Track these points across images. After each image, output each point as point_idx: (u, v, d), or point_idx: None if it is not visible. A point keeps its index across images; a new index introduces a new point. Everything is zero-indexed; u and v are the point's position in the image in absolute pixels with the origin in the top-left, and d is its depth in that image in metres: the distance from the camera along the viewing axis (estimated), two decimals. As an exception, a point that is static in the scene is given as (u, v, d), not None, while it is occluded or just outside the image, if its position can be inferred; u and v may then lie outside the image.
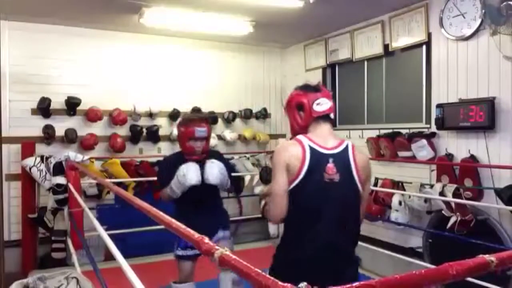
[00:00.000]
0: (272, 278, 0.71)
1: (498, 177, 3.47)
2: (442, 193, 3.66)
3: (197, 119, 2.88)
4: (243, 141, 5.98)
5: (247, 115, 5.98)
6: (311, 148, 1.81)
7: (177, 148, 5.64)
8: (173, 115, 5.48)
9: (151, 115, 5.34)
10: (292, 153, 1.81)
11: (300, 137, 1.88)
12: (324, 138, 1.87)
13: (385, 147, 4.36)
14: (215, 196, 3.13)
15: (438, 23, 3.95)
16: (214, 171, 2.80)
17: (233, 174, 5.65)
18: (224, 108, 5.81)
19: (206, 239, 0.97)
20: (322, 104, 1.92)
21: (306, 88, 1.98)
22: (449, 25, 3.85)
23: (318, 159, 1.79)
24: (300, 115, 1.94)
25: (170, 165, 2.86)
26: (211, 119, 5.67)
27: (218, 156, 3.05)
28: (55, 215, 4.54)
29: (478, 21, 3.59)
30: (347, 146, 1.88)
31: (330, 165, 1.79)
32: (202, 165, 2.79)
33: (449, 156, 3.83)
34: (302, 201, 1.79)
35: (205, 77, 5.74)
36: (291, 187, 1.80)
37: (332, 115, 1.95)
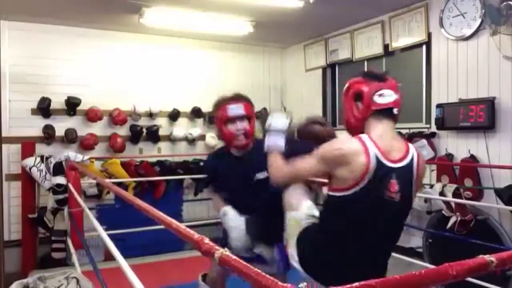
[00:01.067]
0: (271, 278, 0.71)
1: (498, 177, 3.47)
2: (442, 193, 3.66)
3: (230, 97, 2.41)
4: (243, 141, 5.97)
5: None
6: (377, 159, 1.55)
7: (177, 149, 5.70)
8: (173, 115, 5.48)
9: (151, 115, 5.34)
10: (353, 159, 1.55)
11: (365, 139, 1.59)
12: (388, 143, 1.61)
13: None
14: (274, 199, 2.13)
15: (438, 23, 3.95)
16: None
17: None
18: (224, 108, 5.80)
19: (206, 240, 0.97)
20: (385, 96, 1.65)
21: (369, 76, 1.72)
22: (449, 25, 3.85)
23: (382, 173, 1.56)
24: (357, 106, 1.69)
25: (210, 166, 2.41)
26: (211, 119, 5.68)
27: None
28: (55, 215, 4.53)
29: (478, 21, 3.59)
30: (412, 158, 1.65)
31: (394, 181, 1.58)
32: (249, 158, 2.26)
33: (449, 156, 3.83)
34: (353, 214, 1.59)
35: (205, 77, 5.74)
36: (342, 194, 1.58)
37: (396, 111, 1.69)
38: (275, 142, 1.96)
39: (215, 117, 2.39)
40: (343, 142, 1.65)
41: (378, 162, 1.55)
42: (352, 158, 1.55)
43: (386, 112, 1.66)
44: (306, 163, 1.71)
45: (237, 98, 2.38)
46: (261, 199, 2.18)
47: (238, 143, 2.29)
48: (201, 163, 5.48)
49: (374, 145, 1.57)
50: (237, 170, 2.30)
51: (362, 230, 1.61)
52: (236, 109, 2.31)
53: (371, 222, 1.60)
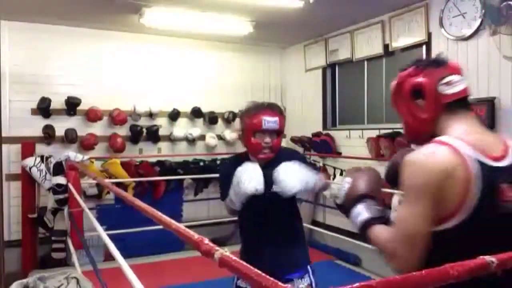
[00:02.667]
0: (271, 278, 0.71)
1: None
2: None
3: (266, 107, 2.15)
4: (243, 141, 5.96)
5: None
6: (478, 161, 1.13)
7: (177, 149, 5.70)
8: (173, 115, 5.48)
9: (151, 115, 5.34)
10: (448, 171, 1.11)
11: (447, 139, 1.18)
12: (482, 138, 1.21)
13: (385, 147, 4.35)
14: (290, 215, 2.18)
15: (438, 23, 3.94)
16: (289, 176, 1.89)
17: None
18: (224, 108, 5.81)
19: (206, 240, 0.97)
20: (455, 84, 1.26)
21: (425, 63, 1.34)
22: (449, 25, 3.85)
23: (488, 177, 1.11)
24: (419, 105, 1.29)
25: (228, 173, 2.12)
26: (211, 119, 5.68)
27: (292, 154, 2.22)
28: (55, 215, 4.54)
29: (478, 21, 3.58)
30: None
31: (505, 185, 1.12)
32: (269, 168, 1.99)
33: (449, 156, 3.83)
34: (460, 249, 0.98)
35: (205, 77, 5.74)
36: (443, 227, 1.12)
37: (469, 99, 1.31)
38: (358, 214, 1.37)
39: (244, 122, 2.17)
40: (426, 156, 1.16)
41: (480, 163, 1.12)
42: (447, 167, 1.11)
43: (460, 103, 1.26)
44: (412, 217, 1.13)
45: (273, 110, 2.15)
46: (274, 212, 2.07)
47: (263, 156, 2.09)
48: (201, 163, 5.49)
49: (464, 143, 1.15)
50: None
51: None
52: (271, 124, 2.09)
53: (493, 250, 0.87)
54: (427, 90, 1.26)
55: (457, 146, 1.14)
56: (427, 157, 1.15)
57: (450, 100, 1.25)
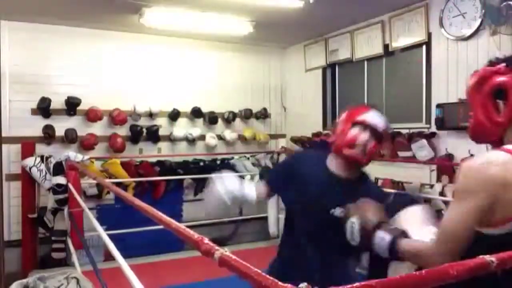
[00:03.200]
0: (272, 278, 0.71)
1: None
2: (442, 193, 3.66)
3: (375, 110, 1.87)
4: (243, 141, 5.97)
5: (247, 115, 5.97)
6: None
7: (177, 149, 5.70)
8: (173, 115, 5.47)
9: (151, 115, 5.34)
10: (507, 180, 1.10)
11: None
12: None
13: (385, 147, 4.35)
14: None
15: (438, 23, 3.94)
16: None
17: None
18: (224, 108, 5.81)
19: (206, 240, 0.97)
20: None
21: None
22: (449, 25, 3.85)
23: None
24: (498, 106, 1.21)
25: (291, 168, 1.87)
26: (211, 119, 5.68)
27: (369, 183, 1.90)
28: (55, 215, 4.54)
29: (478, 21, 3.58)
30: None
31: None
32: (345, 183, 1.74)
33: (449, 156, 3.83)
34: None
35: (205, 77, 5.74)
36: (491, 232, 1.13)
37: None
38: (382, 240, 1.33)
39: (345, 115, 1.84)
40: (490, 162, 1.14)
41: None
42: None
43: None
44: (459, 216, 1.14)
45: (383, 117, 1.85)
46: (326, 235, 1.72)
47: (349, 153, 1.72)
48: (201, 163, 5.48)
49: None
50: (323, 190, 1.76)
51: None
52: (379, 122, 1.79)
53: None
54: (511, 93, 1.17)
55: None
56: (490, 163, 1.13)
57: None
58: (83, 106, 4.94)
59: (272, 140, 6.16)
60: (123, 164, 4.99)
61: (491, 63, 1.26)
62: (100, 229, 2.32)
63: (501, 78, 1.20)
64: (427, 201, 3.87)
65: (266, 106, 6.16)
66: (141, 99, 5.26)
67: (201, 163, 5.50)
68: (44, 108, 4.75)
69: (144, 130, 5.28)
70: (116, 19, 4.71)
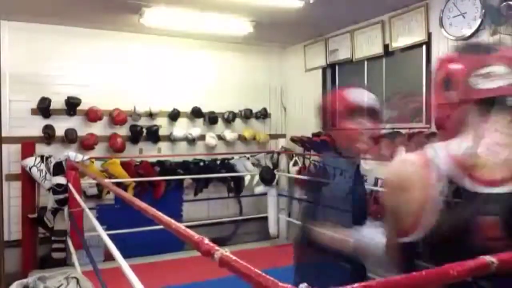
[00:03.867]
0: (271, 278, 0.71)
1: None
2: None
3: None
4: (243, 141, 5.97)
5: (247, 115, 5.98)
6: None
7: (177, 149, 5.70)
8: (173, 115, 5.48)
9: (151, 115, 5.34)
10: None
11: (435, 148, 1.05)
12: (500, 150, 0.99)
13: (385, 147, 4.35)
14: None
15: (438, 23, 3.94)
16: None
17: (233, 174, 5.73)
18: (224, 108, 5.81)
19: (206, 240, 0.97)
20: (494, 77, 1.01)
21: (468, 48, 1.17)
22: (449, 25, 3.85)
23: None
24: (447, 96, 1.08)
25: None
26: (211, 119, 5.68)
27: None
28: (55, 215, 4.54)
29: (478, 21, 3.58)
30: None
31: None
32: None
33: (449, 156, 3.82)
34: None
35: (205, 77, 5.74)
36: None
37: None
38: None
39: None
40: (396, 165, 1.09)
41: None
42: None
43: (495, 103, 1.01)
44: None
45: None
46: None
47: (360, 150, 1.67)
48: (201, 163, 5.49)
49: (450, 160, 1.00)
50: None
51: None
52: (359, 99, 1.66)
53: None
54: (456, 81, 1.04)
55: (436, 155, 1.04)
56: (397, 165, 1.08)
57: (482, 97, 1.01)
58: (83, 106, 4.94)
59: (272, 140, 6.16)
60: (123, 164, 4.99)
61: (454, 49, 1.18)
62: (100, 229, 2.32)
63: (448, 66, 1.10)
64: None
65: (266, 106, 6.16)
66: (141, 99, 5.26)
67: (201, 163, 5.50)
68: (44, 108, 4.75)
69: (144, 130, 5.29)
70: (116, 19, 4.71)
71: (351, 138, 1.70)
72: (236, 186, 5.76)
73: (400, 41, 4.41)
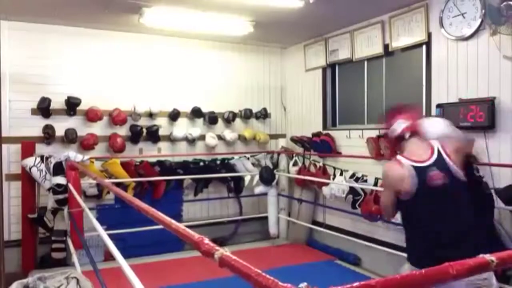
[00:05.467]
0: (272, 278, 0.71)
1: (498, 177, 3.47)
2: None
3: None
4: (243, 141, 5.97)
5: (247, 115, 5.98)
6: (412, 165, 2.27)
7: (177, 149, 5.69)
8: (173, 115, 5.47)
9: (151, 115, 5.34)
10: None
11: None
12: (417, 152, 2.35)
13: (385, 147, 4.35)
14: None
15: (438, 23, 3.94)
16: None
17: (233, 174, 5.73)
18: (224, 108, 5.81)
19: (206, 240, 0.97)
20: (398, 126, 2.44)
21: (393, 110, 2.57)
22: (449, 25, 3.85)
23: (420, 171, 2.26)
24: (388, 138, 2.67)
25: None
26: (211, 119, 5.68)
27: None
28: (55, 215, 4.54)
29: (478, 21, 3.58)
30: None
31: (431, 172, 2.24)
32: None
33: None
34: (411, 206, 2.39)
35: (205, 77, 5.74)
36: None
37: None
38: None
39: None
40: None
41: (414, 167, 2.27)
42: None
43: (403, 137, 2.43)
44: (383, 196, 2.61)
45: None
46: None
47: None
48: (201, 163, 5.49)
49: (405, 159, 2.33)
50: None
51: None
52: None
53: None
54: (387, 131, 2.58)
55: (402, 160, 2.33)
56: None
57: (397, 136, 2.46)
58: (83, 106, 4.94)
59: (272, 140, 6.16)
60: (123, 164, 4.99)
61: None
62: (100, 229, 2.32)
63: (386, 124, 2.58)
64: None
65: (266, 106, 6.16)
66: (141, 99, 5.26)
67: (201, 163, 5.50)
68: (44, 108, 4.75)
69: (144, 130, 5.28)
70: (116, 19, 4.71)
71: None
72: (236, 186, 5.76)
73: (400, 41, 4.41)
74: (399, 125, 2.36)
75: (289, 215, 5.80)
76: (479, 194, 2.65)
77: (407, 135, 2.33)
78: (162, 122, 5.46)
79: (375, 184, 4.35)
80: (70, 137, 4.83)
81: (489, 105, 3.44)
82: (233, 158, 5.72)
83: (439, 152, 2.26)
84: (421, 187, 2.18)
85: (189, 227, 1.19)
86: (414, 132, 2.35)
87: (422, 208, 2.22)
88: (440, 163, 2.23)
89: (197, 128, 5.61)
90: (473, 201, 2.29)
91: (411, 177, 2.19)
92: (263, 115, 6.10)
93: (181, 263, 4.71)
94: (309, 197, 5.60)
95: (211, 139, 5.66)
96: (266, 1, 4.05)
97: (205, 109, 5.63)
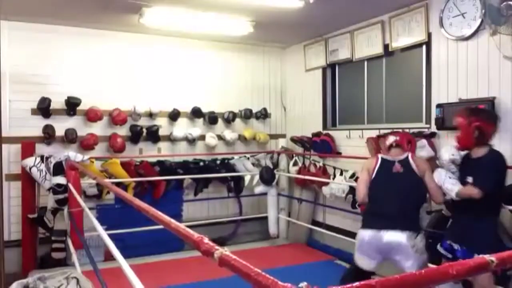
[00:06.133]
0: (271, 278, 0.71)
1: (498, 177, 3.47)
2: (442, 193, 3.65)
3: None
4: (243, 141, 5.97)
5: (247, 115, 5.98)
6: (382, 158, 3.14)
7: (177, 149, 5.69)
8: (173, 115, 5.47)
9: (151, 115, 5.34)
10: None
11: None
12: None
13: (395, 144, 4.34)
14: None
15: (438, 23, 3.94)
16: None
17: (233, 174, 5.73)
18: (224, 108, 5.81)
19: (206, 239, 0.97)
20: (387, 140, 3.24)
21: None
22: (449, 25, 3.85)
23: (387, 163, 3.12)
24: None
25: None
26: (211, 119, 5.68)
27: None
28: (55, 215, 4.54)
29: (478, 21, 3.58)
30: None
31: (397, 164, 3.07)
32: None
33: (449, 156, 3.82)
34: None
35: (205, 77, 5.74)
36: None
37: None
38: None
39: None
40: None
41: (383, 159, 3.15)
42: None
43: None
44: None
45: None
46: None
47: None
48: (201, 163, 5.49)
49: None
50: None
51: None
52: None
53: None
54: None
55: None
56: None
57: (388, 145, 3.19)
58: (83, 106, 4.94)
59: (272, 140, 6.16)
60: (123, 164, 4.99)
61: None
62: (100, 229, 2.32)
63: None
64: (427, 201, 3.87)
65: (266, 106, 6.16)
66: (141, 99, 5.26)
67: (201, 163, 5.50)
68: (44, 108, 4.75)
69: (144, 130, 5.28)
70: (116, 19, 4.71)
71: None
72: (236, 186, 5.76)
73: (400, 41, 4.41)
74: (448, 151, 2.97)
75: (289, 215, 5.80)
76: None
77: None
78: (162, 122, 5.46)
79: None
80: (70, 137, 4.83)
81: (489, 105, 3.44)
82: (233, 158, 5.72)
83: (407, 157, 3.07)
84: (385, 172, 3.03)
85: (189, 227, 1.19)
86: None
87: (379, 187, 3.02)
88: (403, 161, 3.04)
89: (197, 128, 5.61)
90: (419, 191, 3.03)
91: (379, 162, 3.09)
92: (263, 115, 6.10)
93: (181, 263, 4.70)
94: (309, 197, 5.60)
95: (211, 139, 5.66)
96: (266, 1, 4.05)
97: (205, 109, 5.63)
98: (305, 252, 5.28)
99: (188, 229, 1.11)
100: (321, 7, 4.19)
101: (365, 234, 2.98)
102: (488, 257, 0.80)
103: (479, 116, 2.82)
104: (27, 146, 4.54)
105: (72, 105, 4.89)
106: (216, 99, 5.78)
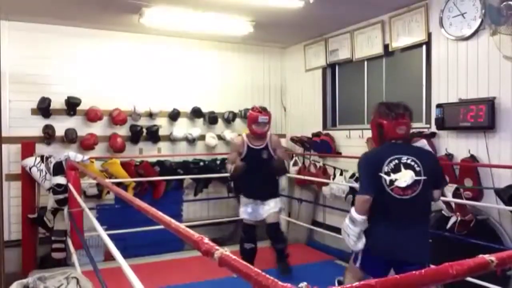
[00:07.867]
0: (271, 278, 0.71)
1: (498, 177, 3.47)
2: (442, 193, 3.65)
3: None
4: (243, 141, 5.96)
5: (247, 115, 5.96)
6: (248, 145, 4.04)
7: (177, 149, 5.69)
8: (173, 115, 5.47)
9: (151, 115, 5.34)
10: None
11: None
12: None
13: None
14: None
15: (438, 23, 3.95)
16: None
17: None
18: (224, 108, 5.81)
19: (206, 239, 0.97)
20: None
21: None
22: (449, 25, 3.85)
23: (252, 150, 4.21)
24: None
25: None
26: (211, 119, 5.68)
27: None
28: (55, 215, 4.54)
29: (478, 21, 3.59)
30: None
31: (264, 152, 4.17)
32: None
33: (449, 156, 3.83)
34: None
35: (205, 77, 5.74)
36: None
37: None
38: None
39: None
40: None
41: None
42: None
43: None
44: None
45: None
46: None
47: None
48: (201, 163, 5.49)
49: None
50: None
51: None
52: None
53: None
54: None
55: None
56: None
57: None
58: (83, 106, 4.94)
59: (272, 140, 6.15)
60: (123, 164, 4.99)
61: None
62: (100, 229, 2.33)
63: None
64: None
65: (266, 106, 6.14)
66: (141, 99, 5.26)
67: (201, 163, 5.50)
68: (44, 108, 4.75)
69: (144, 130, 5.28)
70: (116, 19, 4.71)
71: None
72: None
73: (400, 41, 4.41)
74: None
75: (289, 215, 5.79)
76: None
77: None
78: (162, 122, 5.46)
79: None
80: (70, 137, 4.83)
81: (489, 105, 3.44)
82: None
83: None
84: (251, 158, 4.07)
85: (189, 227, 1.19)
86: None
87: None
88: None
89: (197, 128, 5.61)
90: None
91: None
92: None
93: (181, 263, 4.70)
94: (309, 197, 5.60)
95: (211, 139, 5.66)
96: (266, 1, 4.05)
97: (205, 109, 5.63)
98: (305, 252, 5.27)
99: (188, 229, 1.11)
100: (321, 7, 4.19)
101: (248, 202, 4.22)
102: (488, 257, 0.80)
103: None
104: (27, 146, 4.54)
105: (72, 105, 4.89)
106: (216, 99, 5.78)
